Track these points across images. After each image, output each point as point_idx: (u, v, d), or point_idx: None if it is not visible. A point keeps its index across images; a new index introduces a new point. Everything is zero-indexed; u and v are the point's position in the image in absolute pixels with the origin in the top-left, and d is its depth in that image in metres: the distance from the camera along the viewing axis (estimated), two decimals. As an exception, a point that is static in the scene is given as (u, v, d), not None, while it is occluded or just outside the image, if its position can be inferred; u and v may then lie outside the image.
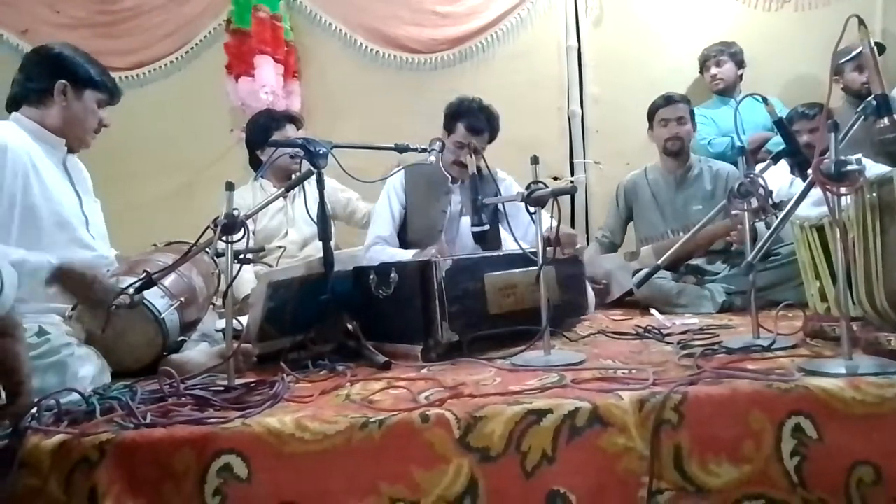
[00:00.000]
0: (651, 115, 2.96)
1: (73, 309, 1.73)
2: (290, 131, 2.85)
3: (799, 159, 1.66)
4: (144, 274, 1.58)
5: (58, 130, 1.82)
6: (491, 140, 2.56)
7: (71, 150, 1.87)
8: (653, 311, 2.42)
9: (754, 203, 1.66)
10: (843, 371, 1.27)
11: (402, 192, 2.61)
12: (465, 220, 2.44)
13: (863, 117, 1.47)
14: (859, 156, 1.51)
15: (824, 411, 1.19)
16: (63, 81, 1.79)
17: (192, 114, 3.50)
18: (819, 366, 1.33)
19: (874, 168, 2.51)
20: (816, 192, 1.39)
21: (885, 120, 1.43)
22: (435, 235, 2.52)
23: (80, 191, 1.86)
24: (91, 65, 1.86)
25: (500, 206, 2.40)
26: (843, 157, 1.32)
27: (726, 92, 3.39)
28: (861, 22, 1.39)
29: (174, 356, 1.75)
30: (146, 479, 1.13)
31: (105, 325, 1.56)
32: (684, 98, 2.97)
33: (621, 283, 2.78)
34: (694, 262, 2.72)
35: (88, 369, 1.51)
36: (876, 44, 2.95)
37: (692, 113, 2.96)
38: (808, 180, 1.43)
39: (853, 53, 1.57)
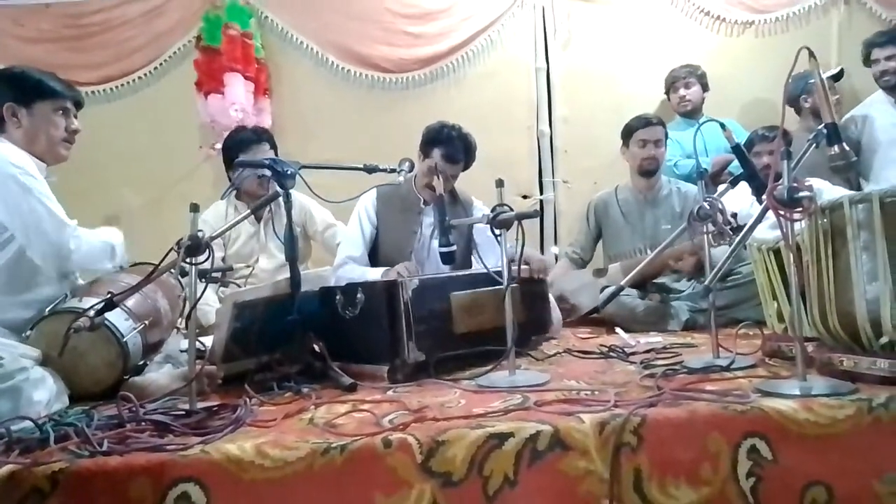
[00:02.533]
0: (627, 133, 2.98)
1: (31, 329, 1.69)
2: (260, 153, 2.67)
3: (756, 183, 1.71)
4: (107, 295, 1.57)
5: (30, 153, 1.82)
6: (465, 169, 2.58)
7: (49, 165, 1.88)
8: (618, 329, 2.46)
9: (713, 226, 1.70)
10: (798, 392, 1.31)
11: (373, 213, 2.60)
12: (437, 242, 2.45)
13: (815, 145, 1.52)
14: (811, 182, 1.56)
15: (779, 432, 1.22)
16: (8, 104, 1.80)
17: (161, 130, 3.47)
18: (774, 386, 1.36)
19: (833, 190, 2.60)
20: (774, 215, 1.44)
21: (836, 148, 1.48)
22: (406, 256, 2.52)
23: None
24: (35, 77, 1.85)
25: (471, 230, 2.42)
26: (795, 184, 1.37)
27: (692, 114, 3.47)
28: (811, 54, 1.44)
29: (137, 378, 1.72)
30: (101, 510, 1.11)
31: (62, 348, 1.53)
32: (661, 121, 3.00)
33: (588, 299, 2.81)
34: (659, 280, 2.76)
35: (43, 393, 1.47)
36: (840, 70, 3.08)
37: (666, 135, 3.01)
38: (763, 205, 1.47)
39: (809, 82, 1.62)
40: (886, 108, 3.12)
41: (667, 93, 3.56)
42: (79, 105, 1.95)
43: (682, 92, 3.47)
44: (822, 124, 1.51)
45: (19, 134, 1.83)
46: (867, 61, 3.15)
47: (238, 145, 2.71)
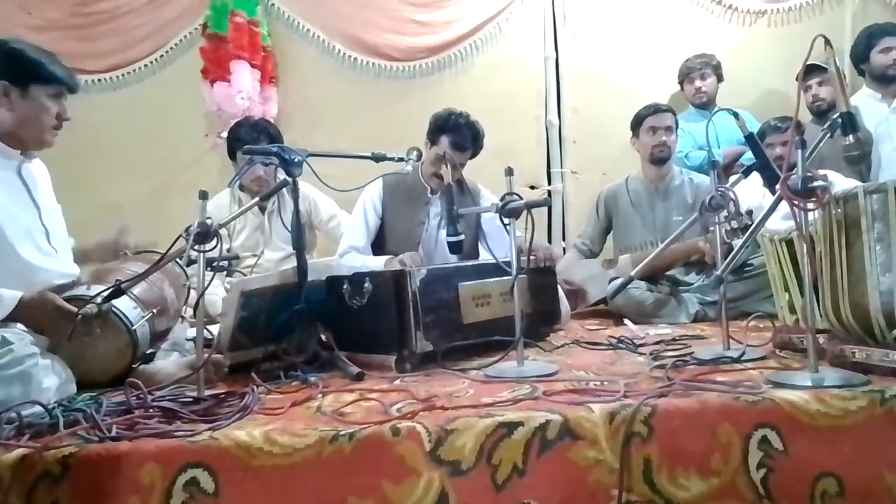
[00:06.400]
0: (637, 123, 2.93)
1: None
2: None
3: (769, 174, 1.68)
4: (114, 282, 1.56)
5: (11, 135, 1.73)
6: (472, 157, 2.56)
7: (31, 150, 1.79)
8: (626, 321, 2.44)
9: (725, 216, 1.68)
10: (809, 383, 1.29)
11: (378, 203, 2.59)
12: (444, 232, 2.44)
13: (829, 134, 1.50)
14: (826, 172, 1.54)
15: (790, 423, 1.21)
16: (3, 83, 1.70)
17: (167, 118, 3.46)
18: (786, 378, 1.35)
19: (844, 183, 2.57)
20: (787, 206, 1.42)
21: (850, 137, 1.46)
22: (413, 246, 2.51)
23: (38, 201, 1.78)
24: (34, 57, 1.74)
25: (480, 220, 2.38)
26: (809, 174, 1.35)
27: (707, 105, 3.40)
28: (827, 42, 1.42)
29: (146, 366, 1.72)
30: (111, 494, 1.11)
31: (71, 334, 1.52)
32: (671, 108, 2.96)
33: (597, 289, 2.80)
34: (669, 272, 2.74)
35: (53, 380, 1.47)
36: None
37: (676, 123, 2.96)
38: (776, 195, 1.45)
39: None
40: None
41: (680, 83, 3.50)
42: (73, 90, 1.84)
43: (697, 83, 3.40)
44: (837, 113, 1.48)
45: (8, 116, 1.71)
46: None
47: (244, 143, 2.68)
